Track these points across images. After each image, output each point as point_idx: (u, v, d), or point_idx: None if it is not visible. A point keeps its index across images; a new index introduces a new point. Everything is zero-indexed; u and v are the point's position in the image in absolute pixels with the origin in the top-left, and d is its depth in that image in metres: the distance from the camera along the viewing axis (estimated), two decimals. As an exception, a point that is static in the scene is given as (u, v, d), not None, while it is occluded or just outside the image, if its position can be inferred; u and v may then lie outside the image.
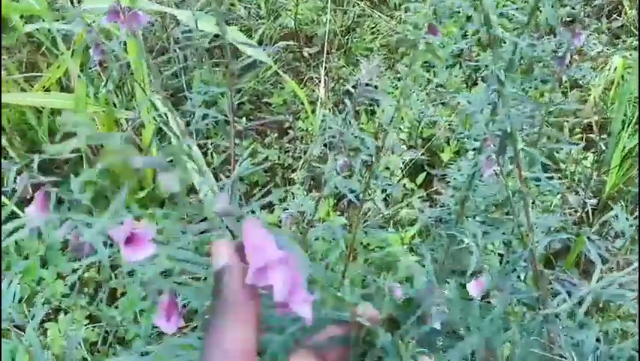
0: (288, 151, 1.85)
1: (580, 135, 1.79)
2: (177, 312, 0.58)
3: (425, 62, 1.94)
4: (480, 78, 1.92)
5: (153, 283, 0.56)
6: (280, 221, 1.06)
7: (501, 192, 0.67)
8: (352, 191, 0.93)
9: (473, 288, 0.63)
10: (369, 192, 1.02)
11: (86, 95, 1.52)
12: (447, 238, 0.92)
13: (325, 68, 1.98)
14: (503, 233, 0.72)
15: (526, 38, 0.79)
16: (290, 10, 2.15)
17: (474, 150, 0.89)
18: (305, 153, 1.81)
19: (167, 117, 0.86)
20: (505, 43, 0.84)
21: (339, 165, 0.95)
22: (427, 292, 0.55)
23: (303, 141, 1.85)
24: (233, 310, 0.34)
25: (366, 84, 0.87)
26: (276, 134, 1.89)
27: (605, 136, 1.73)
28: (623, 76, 1.80)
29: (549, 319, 0.65)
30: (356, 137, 0.91)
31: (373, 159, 0.94)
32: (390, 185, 1.04)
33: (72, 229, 0.53)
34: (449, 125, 1.78)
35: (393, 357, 0.38)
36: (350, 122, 0.90)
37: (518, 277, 0.99)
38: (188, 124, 0.90)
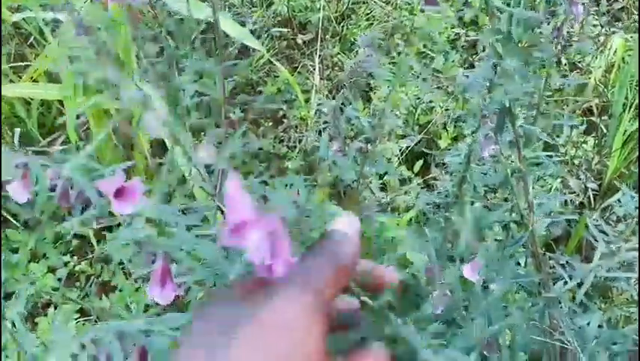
0: (283, 140, 1.82)
1: (580, 119, 1.75)
2: (172, 279, 0.54)
3: (424, 45, 1.90)
4: (477, 61, 1.88)
5: (148, 245, 0.53)
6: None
7: (500, 171, 0.64)
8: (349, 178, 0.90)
9: (468, 271, 0.60)
10: (366, 178, 0.99)
11: (74, 85, 1.48)
12: (444, 223, 0.89)
13: (320, 55, 1.95)
14: (504, 213, 0.69)
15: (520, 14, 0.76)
16: (283, -3, 2.12)
17: (472, 133, 0.85)
18: (300, 141, 1.78)
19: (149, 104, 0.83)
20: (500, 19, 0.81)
21: (333, 150, 0.92)
22: (428, 270, 0.53)
23: (298, 130, 1.82)
24: (332, 268, 0.33)
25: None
26: (270, 123, 1.86)
27: (605, 118, 1.70)
28: (623, 58, 1.77)
29: (551, 303, 0.63)
30: (356, 117, 0.87)
31: (369, 145, 0.91)
32: (388, 173, 1.01)
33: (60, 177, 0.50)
34: (446, 109, 1.75)
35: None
36: (350, 101, 0.87)
37: (518, 263, 0.96)
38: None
